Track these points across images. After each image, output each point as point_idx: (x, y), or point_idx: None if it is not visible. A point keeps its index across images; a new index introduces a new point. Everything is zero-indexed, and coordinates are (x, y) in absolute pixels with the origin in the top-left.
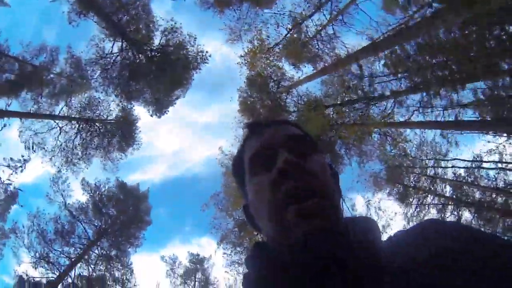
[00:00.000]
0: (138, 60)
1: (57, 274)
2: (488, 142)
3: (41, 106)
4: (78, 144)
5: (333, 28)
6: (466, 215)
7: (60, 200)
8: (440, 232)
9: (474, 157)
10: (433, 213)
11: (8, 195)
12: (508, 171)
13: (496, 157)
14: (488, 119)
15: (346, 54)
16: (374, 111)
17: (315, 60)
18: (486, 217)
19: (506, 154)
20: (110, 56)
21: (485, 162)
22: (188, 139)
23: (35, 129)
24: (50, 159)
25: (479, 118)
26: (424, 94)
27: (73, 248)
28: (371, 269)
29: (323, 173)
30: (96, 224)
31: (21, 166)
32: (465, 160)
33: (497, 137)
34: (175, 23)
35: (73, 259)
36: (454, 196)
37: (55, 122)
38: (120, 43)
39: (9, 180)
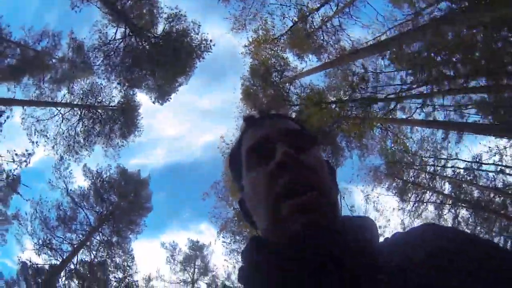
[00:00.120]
0: (141, 47)
1: (60, 260)
2: (489, 147)
3: (43, 92)
4: (80, 132)
5: (339, 20)
6: (464, 213)
7: (62, 186)
8: (437, 234)
9: (474, 157)
10: (431, 210)
11: (9, 182)
12: (507, 174)
13: (496, 158)
14: (489, 122)
15: (351, 50)
16: (376, 106)
17: (320, 51)
18: (483, 216)
19: (506, 155)
20: (113, 42)
21: (485, 164)
22: (188, 124)
23: (37, 116)
24: (53, 147)
25: (481, 120)
26: (428, 92)
27: (75, 235)
28: (368, 268)
29: (321, 168)
30: (97, 210)
31: (25, 161)
32: (465, 161)
33: (499, 139)
34: (179, 11)
35: (75, 246)
36: (453, 194)
37: (57, 109)
38: (123, 29)
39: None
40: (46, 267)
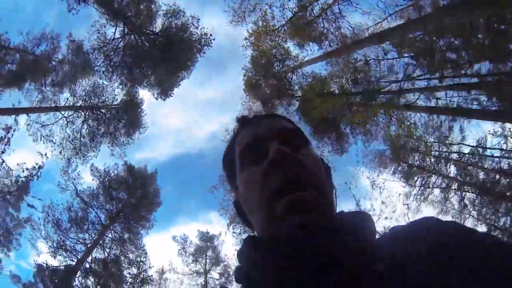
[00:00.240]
0: (140, 44)
1: (75, 260)
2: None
3: (46, 96)
4: (86, 134)
5: (338, 7)
6: (470, 196)
7: (72, 188)
8: (437, 229)
9: (479, 140)
10: (436, 194)
11: (20, 187)
12: None
13: (501, 139)
14: (495, 107)
15: (353, 41)
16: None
17: (321, 39)
18: (489, 199)
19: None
20: (112, 42)
21: (489, 148)
22: (191, 115)
23: (42, 122)
24: (60, 152)
25: (486, 106)
26: (431, 76)
27: (88, 234)
28: (367, 267)
29: (317, 167)
30: (107, 209)
31: (36, 174)
32: (469, 145)
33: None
34: (177, 7)
35: (89, 245)
36: (458, 177)
37: (61, 113)
38: (122, 28)
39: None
40: (62, 268)
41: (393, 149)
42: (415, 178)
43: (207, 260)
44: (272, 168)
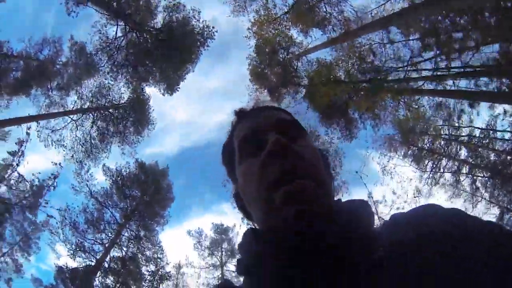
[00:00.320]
0: (143, 41)
1: (94, 261)
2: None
3: (53, 100)
4: (96, 136)
5: None
6: (481, 178)
7: (86, 190)
8: (440, 217)
9: (489, 121)
10: (447, 178)
11: (35, 191)
12: None
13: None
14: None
15: (357, 25)
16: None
17: (324, 23)
18: (501, 180)
19: None
20: (114, 41)
21: (499, 131)
22: (198, 106)
23: (51, 127)
24: (72, 156)
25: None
26: (438, 59)
27: (105, 234)
28: (367, 256)
29: (315, 158)
30: (122, 208)
31: (52, 185)
32: (479, 128)
33: None
34: (177, 1)
35: (106, 245)
36: (469, 159)
37: (69, 117)
38: (123, 26)
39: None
40: (82, 269)
41: (402, 133)
42: (426, 161)
43: (223, 253)
44: (270, 159)
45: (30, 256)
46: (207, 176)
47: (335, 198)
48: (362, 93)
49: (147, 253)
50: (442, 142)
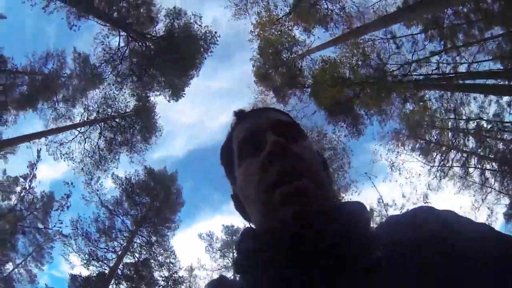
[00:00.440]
0: (145, 49)
1: (108, 269)
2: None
3: (59, 112)
4: (104, 147)
5: None
6: (490, 169)
7: (96, 199)
8: (436, 219)
9: (496, 111)
10: (456, 171)
11: (45, 202)
12: None
13: None
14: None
15: (360, 23)
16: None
17: (326, 21)
18: (510, 170)
19: None
20: (117, 52)
21: (507, 122)
22: (203, 108)
23: (59, 140)
24: (81, 169)
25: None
26: (444, 53)
27: (117, 242)
28: (365, 255)
29: (313, 158)
30: (132, 215)
31: (66, 204)
32: (486, 120)
33: None
34: (177, 7)
35: (119, 252)
36: (477, 150)
37: (77, 130)
38: (125, 36)
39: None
40: (96, 277)
41: (409, 127)
42: (434, 154)
43: (234, 254)
44: (269, 160)
45: (43, 266)
46: (216, 177)
47: (337, 199)
48: (367, 90)
49: (160, 258)
50: (450, 134)
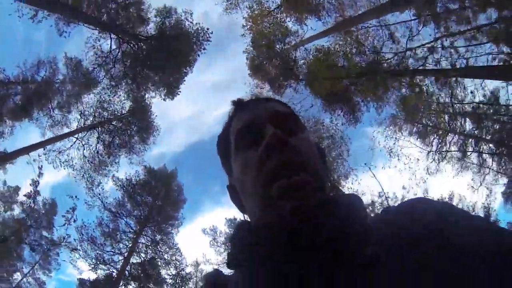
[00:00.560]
0: (138, 50)
1: (116, 271)
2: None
3: (55, 119)
4: (103, 151)
5: None
6: (487, 150)
7: (99, 203)
8: (432, 211)
9: (492, 92)
10: (454, 154)
11: (48, 209)
12: None
13: None
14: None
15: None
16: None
17: (317, 10)
18: (507, 150)
19: None
20: (109, 55)
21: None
22: (200, 101)
23: (58, 148)
24: (82, 175)
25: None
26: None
27: (122, 244)
28: (363, 250)
29: (311, 151)
30: (135, 215)
31: (71, 217)
32: (485, 104)
33: None
34: (167, 6)
35: (125, 254)
36: (475, 131)
37: (74, 137)
38: (116, 38)
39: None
40: (104, 280)
41: (405, 112)
42: (431, 138)
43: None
44: (267, 153)
45: (51, 273)
46: (215, 169)
47: (336, 191)
48: (362, 77)
49: (166, 256)
50: (446, 117)
